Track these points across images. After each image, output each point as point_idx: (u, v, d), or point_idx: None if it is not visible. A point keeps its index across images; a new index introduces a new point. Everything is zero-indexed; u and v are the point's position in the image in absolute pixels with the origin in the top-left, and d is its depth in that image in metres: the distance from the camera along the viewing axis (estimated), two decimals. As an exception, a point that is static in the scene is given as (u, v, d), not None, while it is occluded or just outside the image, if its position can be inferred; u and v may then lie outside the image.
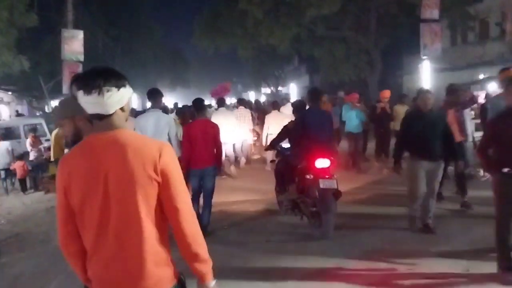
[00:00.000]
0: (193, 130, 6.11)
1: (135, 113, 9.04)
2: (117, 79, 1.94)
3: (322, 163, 5.84)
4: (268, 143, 7.47)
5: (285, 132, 6.88)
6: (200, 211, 6.14)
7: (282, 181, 6.87)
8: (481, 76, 19.04)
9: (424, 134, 5.65)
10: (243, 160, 11.59)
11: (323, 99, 10.69)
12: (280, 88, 44.90)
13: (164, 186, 1.93)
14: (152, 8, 41.03)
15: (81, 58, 16.49)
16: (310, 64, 37.80)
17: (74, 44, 16.32)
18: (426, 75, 15.08)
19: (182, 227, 1.95)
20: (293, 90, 37.09)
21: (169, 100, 34.25)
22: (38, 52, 22.92)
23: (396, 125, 10.06)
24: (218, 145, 6.25)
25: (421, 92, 5.98)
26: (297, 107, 6.92)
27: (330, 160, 5.89)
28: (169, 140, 6.03)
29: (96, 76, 1.90)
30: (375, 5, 20.46)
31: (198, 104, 6.36)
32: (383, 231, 6.04)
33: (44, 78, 24.77)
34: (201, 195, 6.25)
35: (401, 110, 10.37)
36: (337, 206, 5.81)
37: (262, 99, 40.36)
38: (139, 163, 1.88)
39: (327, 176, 5.78)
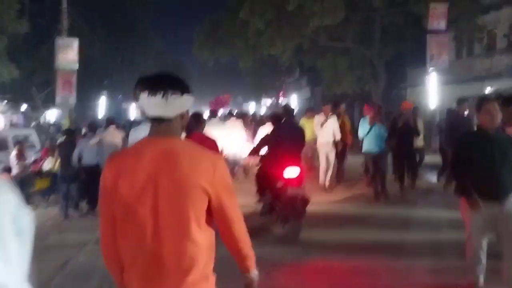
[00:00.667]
0: None
1: (130, 123, 8.83)
2: (181, 85, 1.98)
3: (291, 172, 6.33)
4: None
5: (264, 142, 7.25)
6: None
7: (261, 186, 7.36)
8: (488, 89, 18.48)
9: (491, 163, 4.05)
10: (239, 171, 11.53)
11: (341, 110, 10.64)
12: (281, 100, 44.45)
13: (218, 198, 1.94)
14: (152, 19, 40.86)
15: (76, 67, 15.94)
16: (311, 76, 37.36)
17: (68, 53, 15.77)
18: (433, 88, 14.52)
19: (236, 235, 2.03)
20: (294, 102, 36.56)
21: None
22: (32, 61, 22.40)
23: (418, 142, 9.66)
24: None
25: (485, 102, 4.19)
26: (273, 119, 7.68)
27: (300, 169, 6.37)
28: None
29: (162, 79, 1.96)
30: (379, 15, 19.95)
31: (197, 118, 6.19)
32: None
33: (39, 88, 24.18)
34: None
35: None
36: (305, 212, 6.37)
37: (263, 111, 40.44)
38: (193, 174, 1.89)
39: (295, 185, 6.29)
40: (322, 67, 22.15)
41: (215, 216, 1.97)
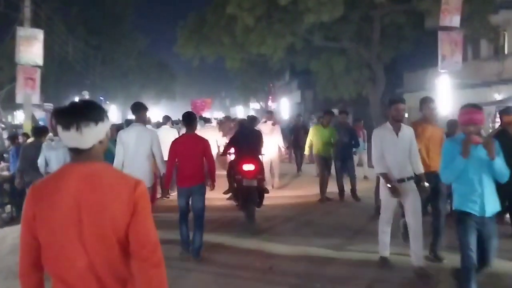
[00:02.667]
0: (179, 146, 5.97)
1: (116, 127, 8.09)
2: (95, 114, 1.97)
3: (247, 167, 7.57)
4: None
5: (230, 143, 8.53)
6: (191, 235, 6.02)
7: (229, 178, 8.86)
8: (497, 96, 16.97)
9: None
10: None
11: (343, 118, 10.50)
12: (270, 103, 42.97)
13: (133, 222, 1.93)
14: (136, 17, 39.25)
15: (40, 62, 14.01)
16: (302, 79, 35.93)
17: (31, 45, 13.83)
18: (444, 93, 12.87)
19: (143, 267, 1.93)
20: (285, 106, 34.89)
21: (155, 113, 32.14)
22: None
23: None
24: (209, 160, 6.12)
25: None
26: (238, 124, 10.51)
27: (255, 165, 7.58)
28: (153, 155, 6.17)
29: (74, 112, 1.95)
30: (379, 14, 18.27)
31: (188, 118, 6.13)
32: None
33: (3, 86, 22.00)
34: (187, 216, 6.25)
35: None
36: (260, 200, 7.81)
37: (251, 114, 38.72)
38: (113, 196, 1.92)
39: (249, 177, 7.52)
40: (316, 69, 20.38)
41: (130, 243, 1.94)
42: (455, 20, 12.23)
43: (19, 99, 13.95)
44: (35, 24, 14.91)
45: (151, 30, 60.74)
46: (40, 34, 14.03)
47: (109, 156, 5.39)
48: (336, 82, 19.59)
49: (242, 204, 7.81)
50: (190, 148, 5.89)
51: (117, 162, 5.86)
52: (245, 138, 8.10)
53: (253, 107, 46.51)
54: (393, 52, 19.75)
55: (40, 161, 7.35)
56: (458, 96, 13.52)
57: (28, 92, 13.83)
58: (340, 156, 9.78)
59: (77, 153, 1.97)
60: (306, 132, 11.50)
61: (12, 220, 8.58)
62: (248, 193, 7.58)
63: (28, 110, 14.17)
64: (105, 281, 1.90)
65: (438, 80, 13.46)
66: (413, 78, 24.89)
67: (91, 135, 1.94)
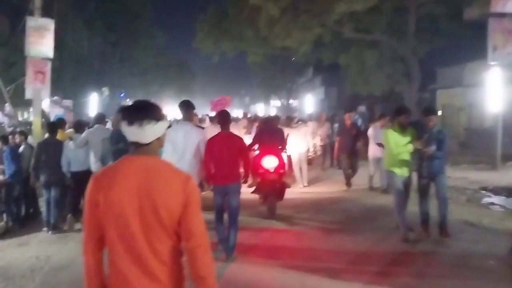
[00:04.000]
0: (215, 144, 5.92)
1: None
2: (157, 113, 2.20)
3: (268, 162, 7.93)
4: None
5: (254, 140, 8.54)
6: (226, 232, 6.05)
7: (253, 173, 8.23)
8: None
9: None
10: None
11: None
12: (291, 101, 41.82)
13: (185, 213, 2.13)
14: (154, 13, 38.34)
15: (50, 54, 12.94)
16: (326, 76, 34.71)
17: (42, 37, 12.81)
18: (495, 88, 11.46)
19: (195, 251, 2.14)
20: (310, 102, 33.53)
21: (174, 111, 31.40)
22: (9, 50, 19.50)
23: None
24: (244, 158, 6.18)
25: None
26: (260, 122, 10.91)
27: (276, 160, 7.90)
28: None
29: (139, 110, 2.18)
30: (415, 4, 16.83)
31: (223, 117, 6.15)
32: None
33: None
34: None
35: None
36: (281, 194, 8.10)
37: (272, 112, 37.91)
38: (168, 189, 2.11)
39: (270, 171, 7.88)
40: (345, 64, 18.99)
41: (182, 234, 2.14)
42: (509, 6, 10.84)
43: (28, 94, 12.92)
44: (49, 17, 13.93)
45: (170, 27, 59.88)
46: (51, 24, 12.98)
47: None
48: (367, 77, 18.17)
49: (264, 197, 8.24)
50: (226, 147, 5.88)
51: (165, 159, 5.40)
52: (268, 134, 8.44)
53: (274, 105, 45.39)
54: (429, 46, 18.25)
55: (64, 161, 7.35)
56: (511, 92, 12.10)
57: (37, 86, 12.81)
58: (427, 171, 6.44)
59: (136, 147, 2.20)
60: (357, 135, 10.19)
61: (7, 232, 7.47)
62: (269, 186, 7.96)
63: (37, 106, 13.14)
64: (152, 264, 2.09)
65: (487, 74, 12.02)
66: (448, 74, 23.39)
67: (151, 132, 2.17)
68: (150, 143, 2.17)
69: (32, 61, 12.84)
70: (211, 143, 5.92)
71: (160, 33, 38.67)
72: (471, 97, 20.48)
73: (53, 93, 26.94)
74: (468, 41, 19.94)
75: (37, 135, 11.95)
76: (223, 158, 5.83)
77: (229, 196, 5.91)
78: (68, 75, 27.26)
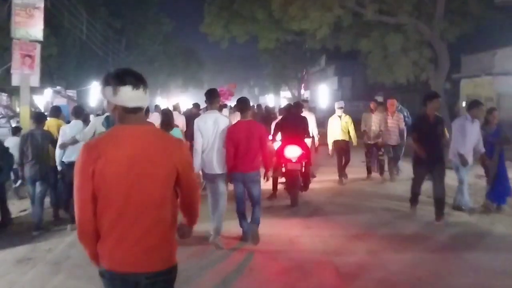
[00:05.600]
0: (236, 132, 5.92)
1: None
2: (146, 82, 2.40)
3: (291, 152, 7.97)
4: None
5: (276, 129, 8.77)
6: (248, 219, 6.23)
7: (277, 162, 8.36)
8: None
9: None
10: None
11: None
12: (302, 91, 40.30)
13: (184, 172, 2.46)
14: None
15: (39, 36, 11.54)
16: (339, 65, 33.23)
17: (30, 16, 11.39)
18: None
19: (195, 199, 2.62)
20: (324, 92, 31.98)
21: (183, 100, 30.36)
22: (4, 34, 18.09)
23: None
24: (264, 147, 6.09)
25: None
26: (283, 110, 10.13)
27: (299, 149, 7.95)
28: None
29: (138, 75, 2.37)
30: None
31: (242, 104, 6.21)
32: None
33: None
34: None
35: None
36: (306, 184, 8.51)
37: (283, 103, 36.54)
38: (166, 153, 2.37)
39: (295, 161, 7.94)
40: (366, 49, 17.34)
41: (181, 185, 2.50)
42: None
43: (15, 80, 11.53)
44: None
45: (177, 13, 58.27)
46: (40, 1, 11.57)
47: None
48: (390, 64, 16.54)
49: (287, 187, 8.39)
50: (246, 135, 5.90)
51: (196, 149, 5.92)
52: (291, 123, 8.36)
53: (284, 96, 43.97)
54: (459, 30, 16.55)
55: (59, 150, 6.95)
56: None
57: (25, 72, 11.41)
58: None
59: (134, 113, 2.34)
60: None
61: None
62: (292, 177, 8.02)
63: (25, 94, 11.72)
64: (147, 222, 2.32)
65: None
66: (473, 62, 21.75)
67: (147, 97, 2.38)
68: (143, 108, 2.37)
69: (19, 44, 11.43)
70: (232, 131, 5.95)
71: (167, 19, 37.20)
72: (500, 87, 18.93)
73: (55, 82, 25.96)
74: (498, 27, 18.34)
75: (26, 127, 10.63)
76: (243, 146, 5.86)
77: (249, 185, 6.00)
78: (71, 64, 26.09)
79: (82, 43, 25.83)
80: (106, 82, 2.32)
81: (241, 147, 5.85)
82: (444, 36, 16.40)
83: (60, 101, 22.76)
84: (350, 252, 5.70)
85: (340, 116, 10.48)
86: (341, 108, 10.57)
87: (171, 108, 10.83)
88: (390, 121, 10.46)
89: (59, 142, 6.97)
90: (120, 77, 2.28)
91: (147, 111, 8.85)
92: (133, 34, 33.98)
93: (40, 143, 6.98)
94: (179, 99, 35.15)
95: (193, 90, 48.56)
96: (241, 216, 6.12)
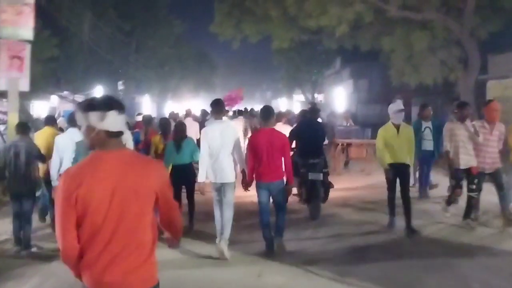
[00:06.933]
0: (258, 141, 6.02)
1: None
2: None
3: (312, 160, 7.72)
4: None
5: (291, 136, 7.95)
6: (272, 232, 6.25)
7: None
8: None
9: None
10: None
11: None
12: (316, 95, 39.12)
13: (164, 195, 2.54)
14: (172, 0, 35.89)
15: (29, 35, 10.44)
16: (355, 67, 31.93)
17: (18, 12, 10.29)
18: None
19: (176, 217, 2.69)
20: (341, 96, 30.77)
21: (194, 105, 29.46)
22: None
23: None
24: (286, 157, 6.07)
25: None
26: (299, 116, 10.68)
27: (320, 158, 7.76)
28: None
29: (120, 100, 2.52)
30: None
31: (266, 113, 6.23)
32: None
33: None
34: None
35: None
36: (326, 195, 8.02)
37: (296, 107, 35.45)
38: (145, 179, 2.43)
39: (315, 171, 7.64)
40: (389, 49, 15.97)
41: (160, 206, 2.55)
42: None
43: (2, 84, 10.43)
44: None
45: (189, 15, 57.73)
46: (29, -3, 10.48)
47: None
48: (416, 64, 15.18)
49: (306, 199, 7.96)
50: (268, 144, 5.90)
51: (202, 158, 5.99)
52: (308, 129, 8.05)
53: (298, 99, 42.84)
54: (491, 27, 15.17)
55: (55, 162, 6.70)
56: None
57: (13, 75, 10.31)
58: None
59: (116, 137, 2.44)
60: None
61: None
62: (313, 187, 7.69)
63: (13, 99, 10.59)
64: (129, 246, 2.37)
65: None
66: (502, 62, 20.32)
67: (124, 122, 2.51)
68: (123, 134, 2.48)
69: (6, 44, 10.34)
70: (254, 139, 6.09)
71: (178, 21, 36.30)
72: (532, 89, 17.50)
73: (62, 87, 25.08)
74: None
75: (12, 136, 9.51)
76: (266, 155, 5.90)
77: (274, 194, 6.06)
78: (78, 68, 25.27)
79: (89, 46, 24.98)
80: (90, 108, 2.39)
81: (263, 156, 5.93)
82: (475, 33, 15.04)
83: (67, 107, 22.28)
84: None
85: (398, 127, 7.19)
86: (402, 111, 7.25)
87: (181, 113, 10.75)
88: (488, 136, 7.22)
89: (54, 152, 6.70)
90: (107, 103, 2.41)
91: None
92: (143, 36, 33.09)
93: (24, 156, 6.57)
94: (191, 103, 34.01)
95: (204, 94, 47.62)
96: (265, 227, 6.08)
